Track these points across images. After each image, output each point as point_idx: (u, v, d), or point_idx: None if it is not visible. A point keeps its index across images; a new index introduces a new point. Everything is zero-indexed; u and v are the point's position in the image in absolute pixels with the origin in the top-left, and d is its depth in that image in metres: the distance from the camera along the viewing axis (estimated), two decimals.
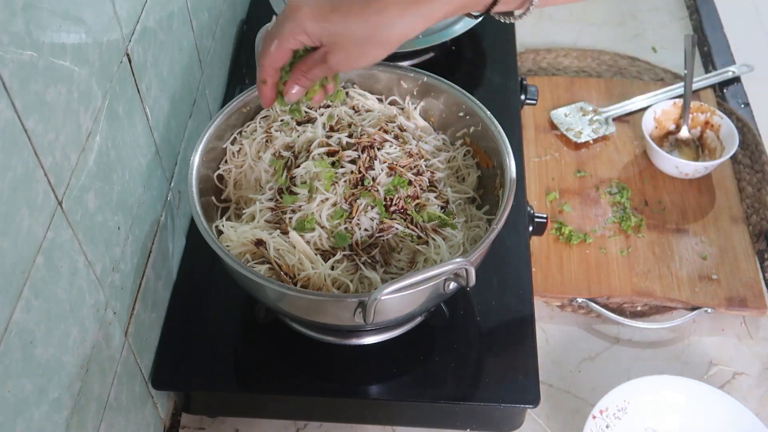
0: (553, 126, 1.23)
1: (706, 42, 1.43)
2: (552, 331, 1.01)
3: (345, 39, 0.64)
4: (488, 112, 0.86)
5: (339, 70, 0.68)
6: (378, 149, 0.84)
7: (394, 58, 0.95)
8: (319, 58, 0.67)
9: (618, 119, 1.24)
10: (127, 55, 0.73)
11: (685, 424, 0.88)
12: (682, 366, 0.98)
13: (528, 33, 1.45)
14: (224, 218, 0.84)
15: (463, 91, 0.89)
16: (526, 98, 1.12)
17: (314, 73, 0.69)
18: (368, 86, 0.94)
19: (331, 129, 0.87)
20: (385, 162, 0.82)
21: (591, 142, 1.20)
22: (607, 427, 0.86)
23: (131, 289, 0.77)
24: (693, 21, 1.51)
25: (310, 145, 0.85)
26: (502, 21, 0.69)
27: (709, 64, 1.40)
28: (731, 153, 1.12)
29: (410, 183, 0.82)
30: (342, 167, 0.82)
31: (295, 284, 0.75)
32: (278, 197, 0.82)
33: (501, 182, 0.82)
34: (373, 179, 0.81)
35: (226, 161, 0.88)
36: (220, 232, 0.81)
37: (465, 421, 0.87)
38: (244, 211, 0.84)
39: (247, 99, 0.89)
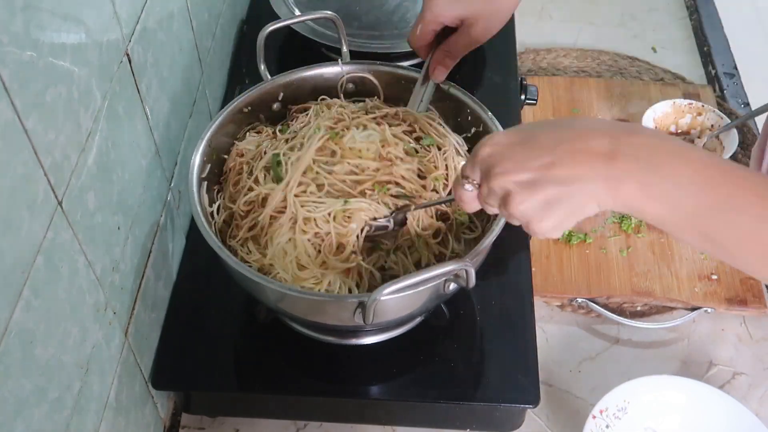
0: None
1: (706, 42, 1.43)
2: (552, 331, 1.01)
3: (480, 13, 0.82)
4: (489, 113, 0.86)
5: (482, 41, 0.84)
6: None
7: (394, 58, 0.96)
8: (462, 36, 0.84)
9: (618, 120, 1.24)
10: (127, 55, 0.73)
11: (685, 424, 0.88)
12: (682, 366, 0.98)
13: (528, 33, 1.45)
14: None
15: (464, 91, 0.89)
16: (526, 98, 1.12)
17: (458, 50, 0.86)
18: (369, 86, 0.94)
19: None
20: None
21: None
22: (607, 427, 0.86)
23: (131, 289, 0.77)
24: (693, 21, 1.51)
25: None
26: None
27: (709, 64, 1.40)
28: (731, 153, 1.12)
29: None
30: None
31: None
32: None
33: None
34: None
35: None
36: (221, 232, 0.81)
37: (465, 421, 0.87)
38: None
39: (248, 99, 0.89)
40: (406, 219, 0.79)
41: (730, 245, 0.55)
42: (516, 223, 0.62)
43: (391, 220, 0.79)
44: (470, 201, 0.65)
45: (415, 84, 0.91)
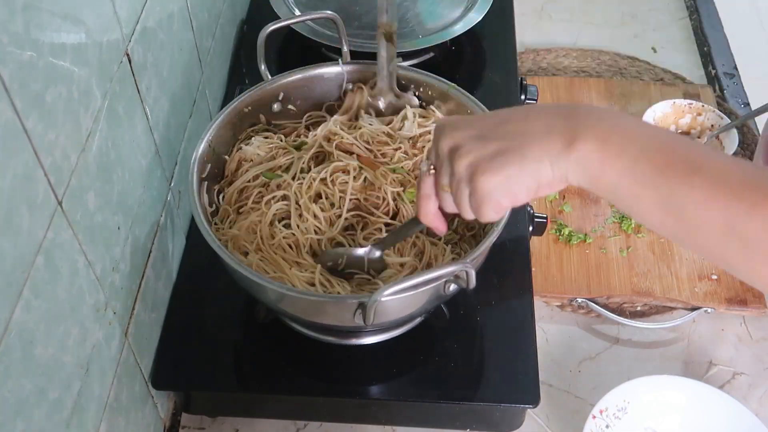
0: None
1: (706, 42, 1.43)
2: (552, 331, 1.01)
3: None
4: (489, 113, 0.86)
5: None
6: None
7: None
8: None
9: None
10: (127, 55, 0.73)
11: (685, 424, 0.88)
12: (682, 366, 0.98)
13: (528, 33, 1.45)
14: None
15: (464, 92, 0.89)
16: (526, 98, 1.12)
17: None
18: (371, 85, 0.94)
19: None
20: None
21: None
22: (607, 427, 0.86)
23: (131, 289, 0.77)
24: (693, 21, 1.51)
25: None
26: None
27: (709, 64, 1.40)
28: (731, 153, 1.12)
29: None
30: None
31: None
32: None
33: None
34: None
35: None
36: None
37: (465, 421, 0.87)
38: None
39: (248, 99, 0.89)
40: (384, 261, 0.79)
41: (689, 212, 0.51)
42: (465, 200, 0.58)
43: (365, 259, 0.78)
44: (428, 192, 0.62)
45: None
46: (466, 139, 0.57)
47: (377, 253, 0.78)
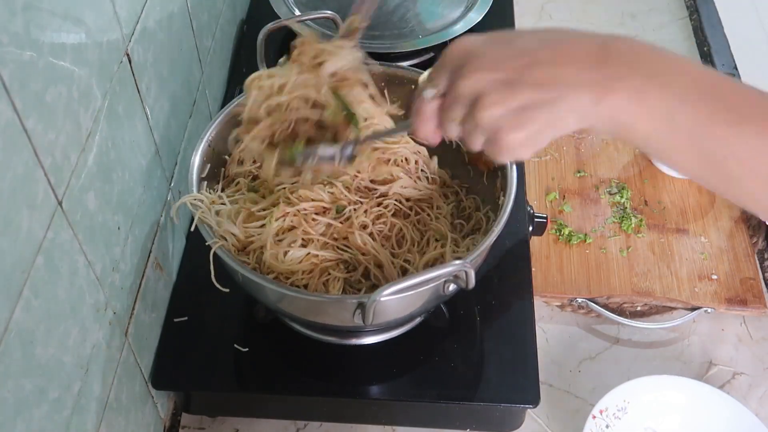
0: None
1: (706, 42, 1.43)
2: (552, 331, 1.01)
3: None
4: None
5: None
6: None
7: (394, 58, 0.96)
8: None
9: None
10: (127, 55, 0.73)
11: (685, 424, 0.88)
12: (682, 366, 0.98)
13: None
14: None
15: None
16: None
17: None
18: None
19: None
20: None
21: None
22: (607, 427, 0.86)
23: (131, 289, 0.77)
24: (693, 21, 1.51)
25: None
26: None
27: (709, 64, 1.40)
28: None
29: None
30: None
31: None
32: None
33: (502, 185, 0.82)
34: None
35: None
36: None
37: (465, 421, 0.87)
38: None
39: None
40: (355, 156, 0.70)
41: (732, 165, 0.48)
42: (478, 140, 0.54)
43: (338, 153, 0.68)
44: (429, 117, 0.56)
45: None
46: (492, 85, 0.51)
47: (350, 148, 0.69)
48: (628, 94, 0.48)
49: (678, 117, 0.48)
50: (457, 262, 0.68)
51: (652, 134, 0.49)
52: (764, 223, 1.10)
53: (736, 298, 1.02)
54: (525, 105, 0.51)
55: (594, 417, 0.85)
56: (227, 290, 0.76)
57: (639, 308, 1.03)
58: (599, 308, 1.01)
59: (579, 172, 1.17)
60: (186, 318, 0.88)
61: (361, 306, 0.69)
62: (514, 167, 0.80)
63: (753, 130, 0.47)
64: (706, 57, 1.41)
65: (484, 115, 0.52)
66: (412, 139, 0.78)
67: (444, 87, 0.55)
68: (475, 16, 1.13)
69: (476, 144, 0.55)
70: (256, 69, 0.90)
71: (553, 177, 1.16)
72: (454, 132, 0.56)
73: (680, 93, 0.48)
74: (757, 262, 1.07)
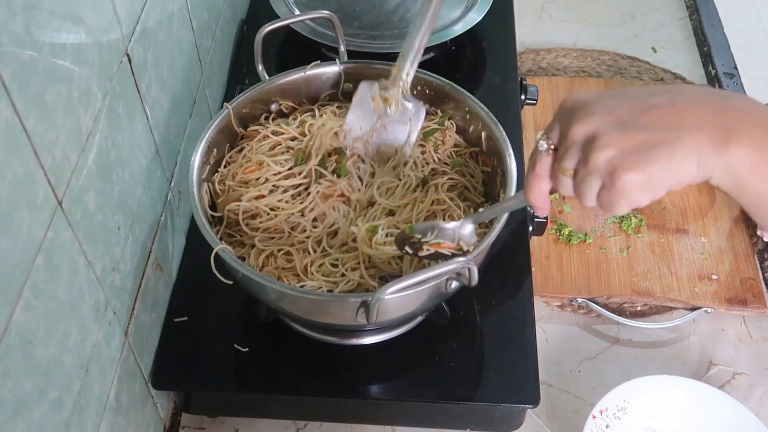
0: None
1: (706, 42, 1.43)
2: (552, 331, 1.01)
3: None
4: (489, 112, 0.86)
5: None
6: None
7: (394, 58, 0.95)
8: None
9: None
10: (127, 55, 0.73)
11: (685, 424, 0.88)
12: (682, 366, 0.98)
13: (528, 33, 1.45)
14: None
15: (464, 91, 0.89)
16: (526, 98, 1.12)
17: None
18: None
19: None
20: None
21: None
22: (607, 427, 0.86)
23: (131, 289, 0.77)
24: (693, 21, 1.51)
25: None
26: None
27: (709, 64, 1.40)
28: None
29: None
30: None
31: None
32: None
33: (502, 182, 0.82)
34: None
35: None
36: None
37: (465, 421, 0.87)
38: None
39: (246, 100, 0.89)
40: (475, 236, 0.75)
41: None
42: (593, 188, 0.52)
43: (456, 233, 0.74)
44: (542, 172, 0.55)
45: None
46: (606, 126, 0.50)
47: (469, 227, 0.74)
48: (750, 144, 0.47)
49: None
50: (461, 259, 0.68)
51: (766, 194, 0.48)
52: None
53: (736, 298, 1.02)
54: (642, 145, 0.49)
55: (594, 417, 0.85)
56: (230, 282, 0.76)
57: (639, 308, 1.03)
58: (599, 308, 1.01)
59: None
60: (186, 318, 0.88)
61: (365, 304, 0.69)
62: (514, 166, 0.80)
63: None
64: (706, 57, 1.41)
65: (598, 157, 0.50)
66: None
67: (557, 138, 0.54)
68: (476, 16, 1.13)
69: (591, 193, 0.52)
70: (256, 70, 0.91)
71: None
72: (567, 187, 0.54)
73: None
74: (757, 262, 1.07)
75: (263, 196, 0.82)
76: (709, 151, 0.48)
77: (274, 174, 0.84)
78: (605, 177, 0.51)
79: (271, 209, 0.81)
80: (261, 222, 0.81)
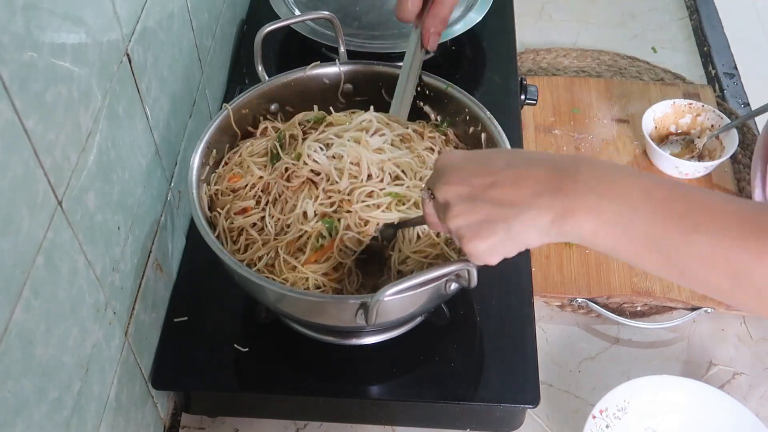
0: (553, 126, 1.23)
1: (706, 42, 1.43)
2: (552, 331, 1.01)
3: None
4: (488, 113, 0.86)
5: None
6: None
7: (394, 58, 0.96)
8: None
9: (618, 120, 1.24)
10: (127, 55, 0.73)
11: (685, 424, 0.88)
12: (682, 366, 0.98)
13: (528, 33, 1.45)
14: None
15: (464, 92, 0.89)
16: (526, 98, 1.12)
17: (446, 10, 0.85)
18: (368, 86, 0.94)
19: None
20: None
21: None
22: (607, 427, 0.86)
23: (131, 289, 0.77)
24: (693, 21, 1.51)
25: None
26: None
27: (709, 64, 1.40)
28: (731, 153, 1.12)
29: None
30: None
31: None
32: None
33: None
34: None
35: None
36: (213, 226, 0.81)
37: (465, 421, 0.87)
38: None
39: (245, 100, 0.89)
40: (395, 234, 0.78)
41: (693, 268, 0.50)
42: (456, 241, 0.61)
43: (378, 235, 0.77)
44: (429, 213, 0.64)
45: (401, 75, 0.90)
46: (456, 199, 0.58)
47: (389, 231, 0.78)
48: (586, 212, 0.52)
49: (635, 231, 0.51)
50: (460, 261, 0.68)
51: (614, 245, 0.53)
52: None
53: None
54: (484, 219, 0.57)
55: (594, 417, 0.85)
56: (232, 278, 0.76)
57: (639, 308, 1.03)
58: (599, 308, 1.01)
59: None
60: (186, 318, 0.88)
61: (364, 306, 0.69)
62: None
63: (707, 235, 0.49)
64: (706, 57, 1.41)
65: (450, 224, 0.60)
66: None
67: (428, 194, 0.63)
68: (475, 16, 1.13)
69: (456, 242, 0.61)
70: (255, 70, 0.91)
71: None
72: (440, 229, 0.64)
73: (634, 204, 0.51)
74: None
75: (249, 209, 0.81)
76: (548, 224, 0.54)
77: (260, 177, 0.83)
78: (457, 239, 0.60)
79: (254, 224, 0.80)
80: (248, 239, 0.80)
